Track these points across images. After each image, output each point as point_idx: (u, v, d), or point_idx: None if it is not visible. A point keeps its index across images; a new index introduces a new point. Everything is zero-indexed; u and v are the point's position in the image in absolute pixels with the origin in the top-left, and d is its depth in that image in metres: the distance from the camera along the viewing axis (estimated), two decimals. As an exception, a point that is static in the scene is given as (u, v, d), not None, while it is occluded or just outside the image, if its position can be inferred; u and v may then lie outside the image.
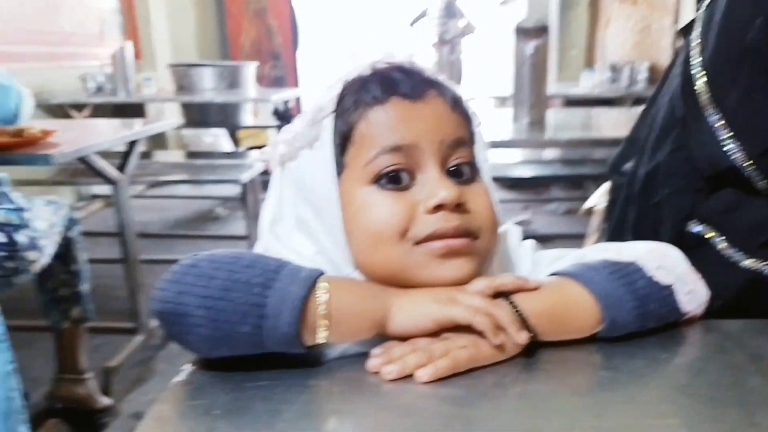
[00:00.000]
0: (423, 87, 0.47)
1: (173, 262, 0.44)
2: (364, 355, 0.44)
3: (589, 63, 4.19)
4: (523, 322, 0.44)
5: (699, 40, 0.67)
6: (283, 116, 3.49)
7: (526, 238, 0.56)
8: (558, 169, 2.51)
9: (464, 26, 5.90)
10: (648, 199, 0.70)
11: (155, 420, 0.39)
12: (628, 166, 0.76)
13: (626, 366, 0.44)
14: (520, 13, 5.18)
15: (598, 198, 0.93)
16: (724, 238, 0.64)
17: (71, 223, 1.51)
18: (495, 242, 0.49)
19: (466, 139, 0.48)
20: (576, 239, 1.26)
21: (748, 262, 0.63)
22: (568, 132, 1.81)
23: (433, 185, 0.45)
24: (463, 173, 0.47)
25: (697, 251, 0.58)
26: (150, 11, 4.22)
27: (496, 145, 1.57)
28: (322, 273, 0.43)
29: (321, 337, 0.42)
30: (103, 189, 3.64)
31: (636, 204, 0.72)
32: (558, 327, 0.46)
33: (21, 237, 1.25)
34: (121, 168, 1.78)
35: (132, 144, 1.82)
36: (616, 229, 0.78)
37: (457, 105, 0.49)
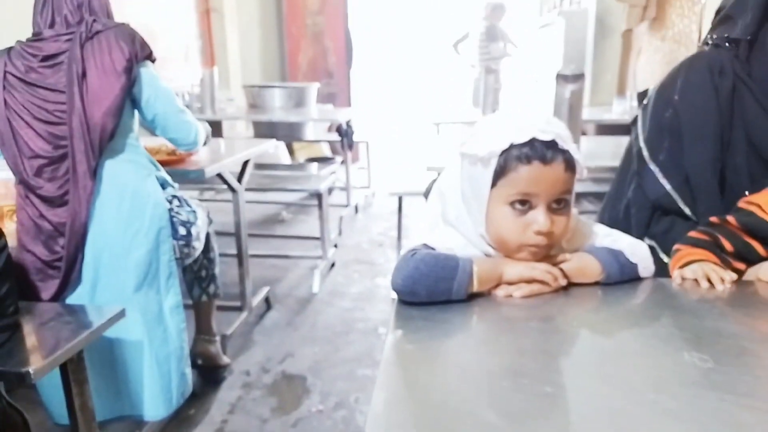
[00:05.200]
0: (554, 156, 0.80)
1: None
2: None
3: (621, 90, 4.52)
4: (564, 275, 0.87)
5: (641, 125, 1.17)
6: (346, 133, 3.97)
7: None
8: (589, 186, 2.91)
9: (504, 48, 6.30)
10: (627, 216, 1.17)
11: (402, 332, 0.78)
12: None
13: (612, 296, 0.88)
14: (559, 38, 5.55)
15: None
16: (661, 249, 1.09)
17: (210, 220, 1.99)
18: (561, 241, 0.89)
19: (569, 189, 0.83)
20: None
21: None
22: (597, 159, 2.24)
23: (539, 218, 0.82)
24: (559, 206, 0.83)
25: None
26: (227, 36, 4.76)
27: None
28: (472, 261, 0.84)
29: (475, 287, 0.83)
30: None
31: (623, 219, 1.18)
32: (581, 276, 0.89)
33: (194, 231, 1.72)
34: (239, 179, 2.27)
35: (246, 161, 2.31)
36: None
37: (569, 165, 0.81)
